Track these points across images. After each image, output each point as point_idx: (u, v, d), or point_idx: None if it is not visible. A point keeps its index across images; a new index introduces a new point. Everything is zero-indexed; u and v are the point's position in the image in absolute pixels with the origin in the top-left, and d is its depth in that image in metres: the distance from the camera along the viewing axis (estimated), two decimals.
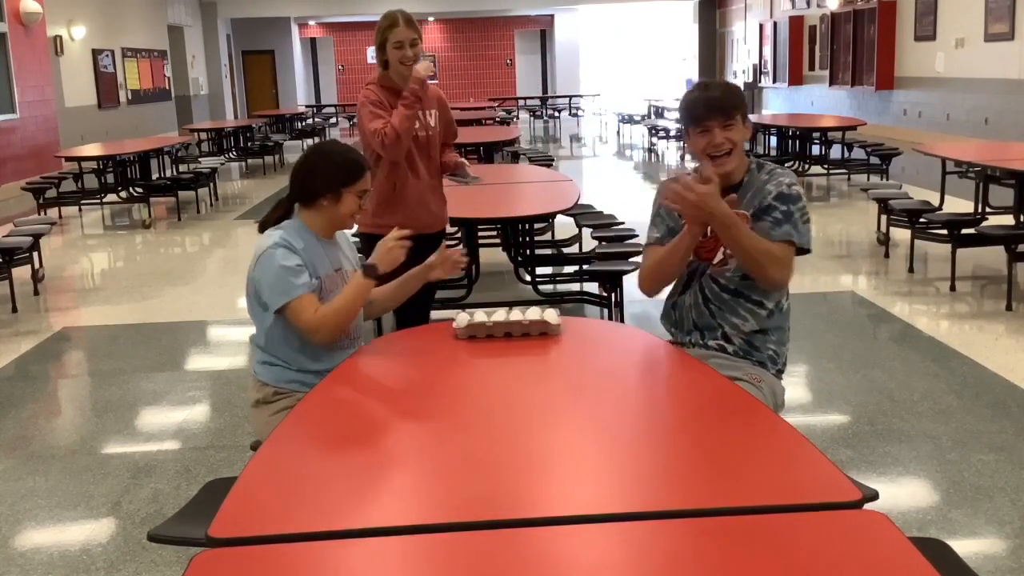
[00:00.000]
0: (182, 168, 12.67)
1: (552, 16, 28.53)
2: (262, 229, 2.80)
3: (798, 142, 11.90)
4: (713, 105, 2.60)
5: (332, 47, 29.23)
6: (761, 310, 2.67)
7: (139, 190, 10.53)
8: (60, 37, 15.13)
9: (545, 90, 29.06)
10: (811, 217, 2.65)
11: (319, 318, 2.63)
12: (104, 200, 10.48)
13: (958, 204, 8.11)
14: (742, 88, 2.91)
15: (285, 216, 2.81)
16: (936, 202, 7.53)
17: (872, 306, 5.85)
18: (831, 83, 18.33)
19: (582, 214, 6.27)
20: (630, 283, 5.34)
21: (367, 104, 3.77)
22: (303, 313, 2.62)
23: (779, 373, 2.76)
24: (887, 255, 7.15)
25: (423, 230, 3.74)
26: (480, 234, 5.72)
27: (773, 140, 13.51)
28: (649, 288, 2.78)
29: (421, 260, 3.78)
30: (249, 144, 15.94)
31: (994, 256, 6.29)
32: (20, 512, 3.42)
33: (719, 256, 2.66)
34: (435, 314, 5.68)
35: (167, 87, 20.69)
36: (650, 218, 2.82)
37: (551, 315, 2.65)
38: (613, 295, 5.13)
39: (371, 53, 29.16)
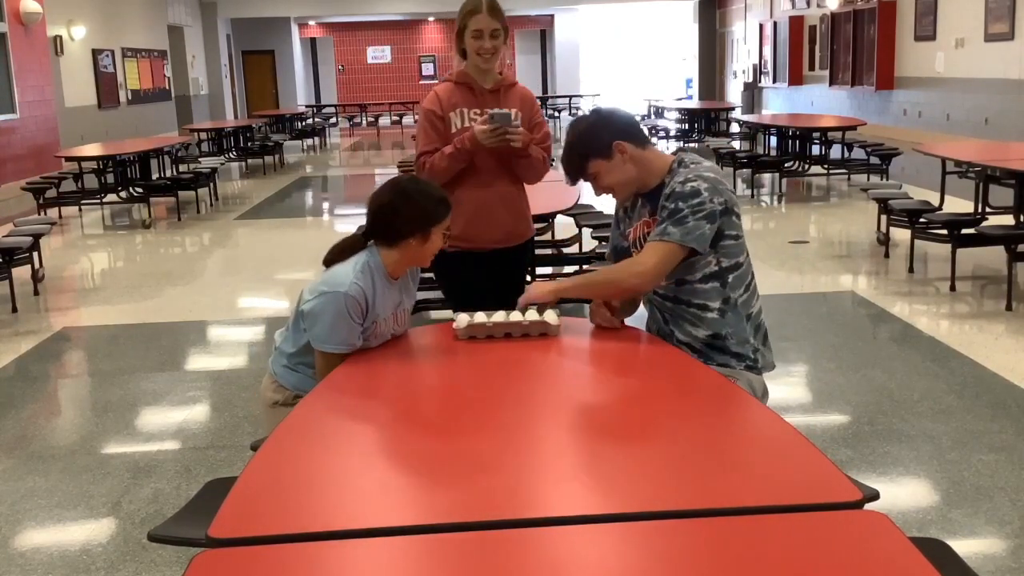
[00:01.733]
0: (182, 168, 12.67)
1: (552, 16, 28.53)
2: (328, 263, 2.70)
3: (798, 142, 11.91)
4: (566, 173, 2.72)
5: (332, 47, 29.24)
6: (708, 313, 2.60)
7: (139, 190, 10.53)
8: (60, 37, 15.13)
9: (545, 90, 29.05)
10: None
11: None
12: (104, 200, 10.48)
13: (958, 204, 8.11)
14: (605, 115, 2.80)
15: (355, 251, 2.70)
16: (936, 202, 7.53)
17: (872, 306, 5.85)
18: (831, 83, 18.33)
19: (582, 214, 6.27)
20: None
21: (424, 115, 3.43)
22: (330, 367, 2.59)
23: (751, 368, 2.64)
24: (887, 255, 7.15)
25: (488, 245, 3.47)
26: None
27: (773, 140, 13.52)
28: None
29: (494, 277, 3.49)
30: (249, 144, 15.94)
31: (994, 256, 6.29)
32: (20, 512, 3.42)
33: None
34: (435, 314, 5.69)
35: (167, 87, 20.69)
36: None
37: (551, 315, 2.65)
38: None
39: (371, 53, 29.22)
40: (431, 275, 5.51)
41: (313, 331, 2.61)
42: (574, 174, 2.70)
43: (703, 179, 2.53)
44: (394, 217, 2.63)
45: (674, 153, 2.71)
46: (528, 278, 3.81)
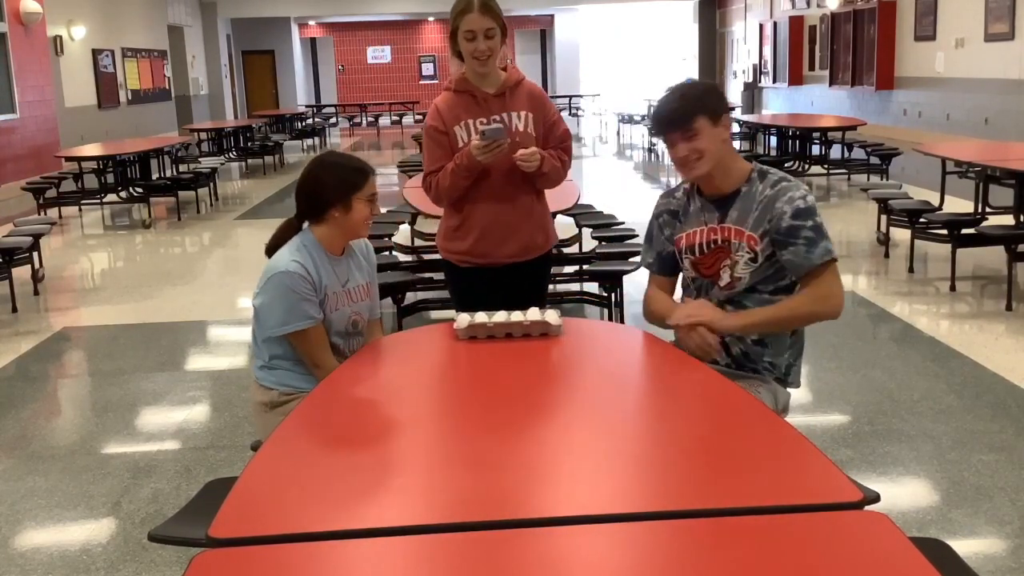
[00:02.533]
0: (182, 168, 12.68)
1: (552, 16, 28.54)
2: (269, 252, 2.75)
3: (798, 142, 11.92)
4: (665, 119, 2.55)
5: (332, 47, 29.24)
6: None
7: (139, 190, 10.53)
8: (60, 37, 15.13)
9: (545, 90, 29.00)
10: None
11: (325, 364, 2.64)
12: (104, 200, 10.48)
13: (958, 204, 8.11)
14: (719, 88, 2.85)
15: (292, 235, 2.77)
16: (936, 202, 7.53)
17: (872, 306, 5.85)
18: (831, 83, 18.33)
19: (582, 214, 6.27)
20: (630, 283, 5.35)
21: (427, 133, 3.22)
22: (309, 344, 2.65)
23: (782, 380, 2.69)
24: (887, 255, 7.15)
25: (503, 260, 3.25)
26: None
27: (773, 140, 13.52)
28: (650, 322, 2.81)
29: (507, 291, 3.28)
30: (249, 144, 15.95)
31: (994, 256, 6.29)
32: (20, 512, 3.42)
33: (725, 279, 2.61)
34: (435, 314, 5.69)
35: (167, 87, 20.69)
36: (644, 236, 2.84)
37: (552, 315, 2.65)
38: (613, 295, 5.13)
39: (371, 53, 29.22)
40: (432, 276, 5.53)
41: (272, 319, 2.65)
42: (674, 122, 2.52)
43: (808, 193, 2.55)
44: (314, 193, 2.73)
45: (749, 161, 2.65)
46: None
